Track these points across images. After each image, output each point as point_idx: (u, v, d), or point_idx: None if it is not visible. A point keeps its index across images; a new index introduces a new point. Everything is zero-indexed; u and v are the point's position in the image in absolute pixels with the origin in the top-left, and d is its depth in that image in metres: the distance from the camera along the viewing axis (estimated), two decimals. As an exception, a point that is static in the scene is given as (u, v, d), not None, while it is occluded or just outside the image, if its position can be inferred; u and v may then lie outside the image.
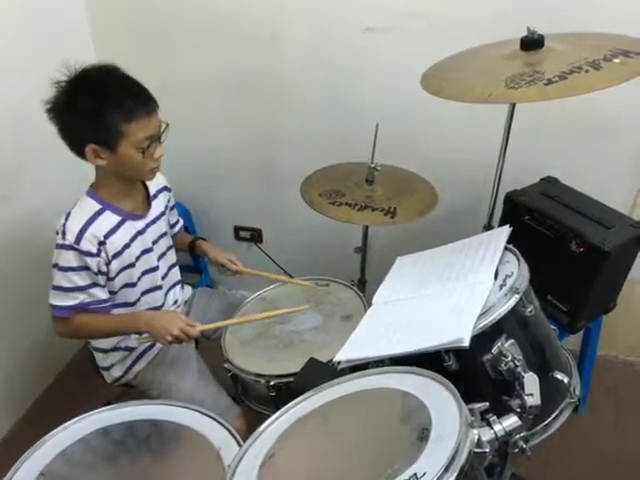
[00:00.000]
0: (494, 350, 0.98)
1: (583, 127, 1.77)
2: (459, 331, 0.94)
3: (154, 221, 1.43)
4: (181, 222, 1.65)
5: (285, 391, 1.31)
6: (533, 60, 1.08)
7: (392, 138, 1.60)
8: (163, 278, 1.49)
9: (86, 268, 1.27)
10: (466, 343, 0.92)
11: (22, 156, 1.80)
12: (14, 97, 1.67)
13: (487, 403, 0.84)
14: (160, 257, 1.47)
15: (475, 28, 1.60)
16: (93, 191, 1.31)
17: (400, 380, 0.90)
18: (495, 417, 0.84)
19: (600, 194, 1.65)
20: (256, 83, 1.98)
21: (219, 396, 1.43)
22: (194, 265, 2.39)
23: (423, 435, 0.74)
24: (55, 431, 1.13)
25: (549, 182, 1.74)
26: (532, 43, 1.10)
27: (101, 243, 1.27)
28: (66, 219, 1.27)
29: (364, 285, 1.77)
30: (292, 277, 1.57)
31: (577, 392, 1.09)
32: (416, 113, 1.81)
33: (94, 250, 1.26)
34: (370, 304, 1.23)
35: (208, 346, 1.66)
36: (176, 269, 1.57)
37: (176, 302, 1.57)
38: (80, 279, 1.27)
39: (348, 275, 1.76)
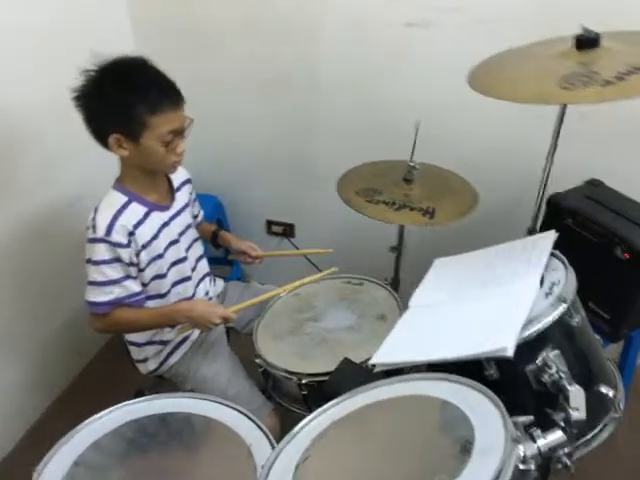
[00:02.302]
0: (538, 361, 0.95)
1: (631, 128, 1.70)
2: (503, 340, 0.90)
3: (179, 213, 1.43)
4: (202, 213, 1.65)
5: (318, 391, 1.29)
6: (587, 60, 1.03)
7: (430, 136, 1.56)
8: (192, 270, 1.49)
9: (118, 260, 1.27)
10: (510, 353, 0.88)
11: (62, 144, 1.83)
12: (55, 87, 1.69)
13: (532, 417, 0.81)
14: (187, 249, 1.47)
15: (520, 24, 1.55)
16: (118, 184, 1.32)
17: (439, 387, 0.88)
18: (539, 431, 0.81)
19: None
20: (292, 78, 1.97)
21: (252, 392, 1.43)
22: (224, 257, 2.39)
23: (466, 448, 0.71)
24: (89, 420, 1.14)
25: (594, 185, 1.67)
26: (588, 42, 1.04)
27: (131, 234, 1.28)
28: (95, 213, 1.28)
29: (397, 284, 1.74)
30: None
31: (622, 406, 1.04)
32: (456, 111, 1.78)
33: (125, 241, 1.27)
34: (405, 305, 1.21)
35: (239, 339, 1.66)
36: (204, 261, 1.58)
37: (207, 294, 1.57)
38: (114, 272, 1.28)
39: (381, 273, 1.73)
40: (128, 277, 1.31)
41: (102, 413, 1.16)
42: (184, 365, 1.48)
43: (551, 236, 1.17)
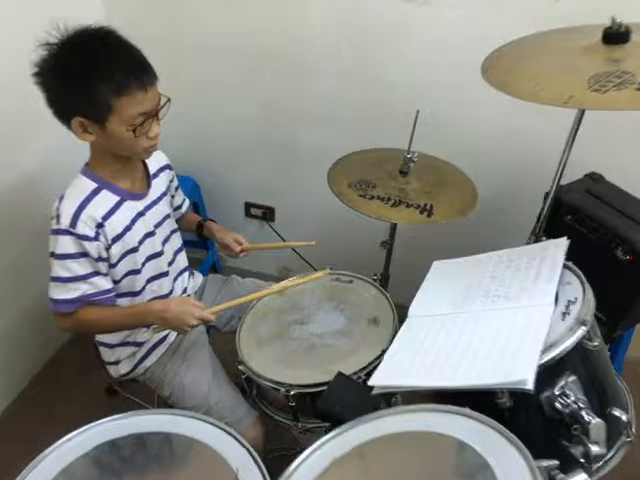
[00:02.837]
0: (555, 389, 0.88)
1: (629, 121, 1.62)
2: (522, 371, 0.83)
3: (155, 202, 1.30)
4: (187, 202, 1.52)
5: (310, 408, 1.21)
6: (616, 56, 0.93)
7: (427, 124, 1.44)
8: (169, 264, 1.37)
9: (85, 254, 1.15)
10: (530, 386, 0.81)
11: (23, 124, 1.67)
12: (13, 60, 1.51)
13: (557, 462, 0.74)
14: (164, 241, 1.35)
15: (526, 6, 1.44)
16: (88, 169, 1.19)
17: (453, 424, 0.80)
18: (563, 476, 0.75)
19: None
20: (279, 52, 1.81)
21: (235, 400, 1.34)
22: (199, 239, 2.26)
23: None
24: (57, 444, 1.02)
25: (594, 179, 1.60)
26: (617, 36, 0.94)
27: (99, 225, 1.15)
28: (60, 201, 1.14)
29: (387, 280, 1.66)
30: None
31: (634, 430, 0.99)
32: (454, 96, 1.67)
33: (92, 234, 1.14)
34: (398, 306, 1.12)
35: (220, 338, 1.56)
36: (183, 254, 1.46)
37: (185, 291, 1.46)
38: (80, 267, 1.15)
39: (368, 267, 1.64)
40: (97, 273, 1.18)
41: (71, 435, 1.04)
42: (160, 369, 1.37)
43: (562, 244, 1.10)
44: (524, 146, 1.68)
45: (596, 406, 0.91)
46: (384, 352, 1.22)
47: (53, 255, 1.15)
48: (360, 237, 1.87)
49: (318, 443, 0.86)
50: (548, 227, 1.51)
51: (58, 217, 1.12)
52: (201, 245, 2.24)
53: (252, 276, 1.61)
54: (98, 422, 1.07)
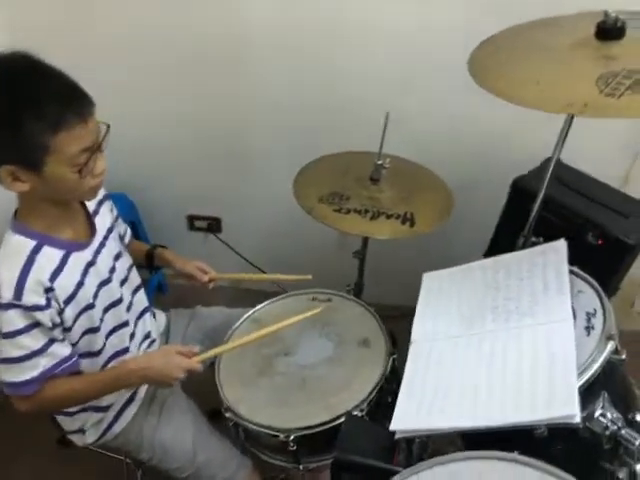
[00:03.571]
0: (595, 412, 0.84)
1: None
2: (565, 404, 0.77)
3: (103, 244, 1.13)
4: (129, 231, 1.34)
5: (312, 447, 1.12)
6: (614, 53, 0.86)
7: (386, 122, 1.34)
8: (128, 309, 1.21)
9: (36, 325, 0.97)
10: (578, 419, 0.75)
11: None
12: None
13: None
14: (122, 284, 1.18)
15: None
16: (19, 224, 0.98)
17: (507, 475, 0.73)
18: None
19: (592, 168, 1.54)
20: (218, 50, 1.62)
21: (224, 453, 1.21)
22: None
23: None
24: None
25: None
26: (612, 32, 0.88)
27: (48, 290, 0.96)
28: None
29: (361, 291, 1.57)
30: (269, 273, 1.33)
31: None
32: (418, 91, 1.57)
33: (42, 302, 0.96)
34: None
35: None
36: (141, 292, 1.29)
37: (148, 336, 1.29)
38: (33, 341, 0.97)
39: (337, 277, 1.55)
40: (53, 341, 1.00)
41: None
42: (135, 432, 1.21)
43: (562, 248, 1.06)
44: (479, 134, 1.64)
45: (623, 416, 0.88)
46: (383, 377, 1.17)
47: None
48: (321, 244, 1.77)
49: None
50: (515, 217, 1.49)
51: None
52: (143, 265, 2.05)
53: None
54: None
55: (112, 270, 1.14)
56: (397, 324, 1.29)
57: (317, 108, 1.66)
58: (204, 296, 1.41)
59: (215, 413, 1.38)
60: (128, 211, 1.94)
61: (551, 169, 1.16)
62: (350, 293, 1.48)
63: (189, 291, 1.41)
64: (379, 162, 1.30)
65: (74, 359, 1.05)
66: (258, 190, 1.90)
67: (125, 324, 1.18)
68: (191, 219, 2.08)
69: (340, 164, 1.42)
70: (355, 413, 1.10)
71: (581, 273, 1.00)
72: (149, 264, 1.37)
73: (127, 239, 1.32)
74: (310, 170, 1.40)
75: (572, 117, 1.05)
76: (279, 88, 1.66)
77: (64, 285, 1.00)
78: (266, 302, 1.40)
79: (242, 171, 1.89)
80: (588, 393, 0.85)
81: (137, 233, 1.98)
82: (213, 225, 2.07)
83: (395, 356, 1.22)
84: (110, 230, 1.17)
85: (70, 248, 1.03)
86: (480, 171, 1.68)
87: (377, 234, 1.23)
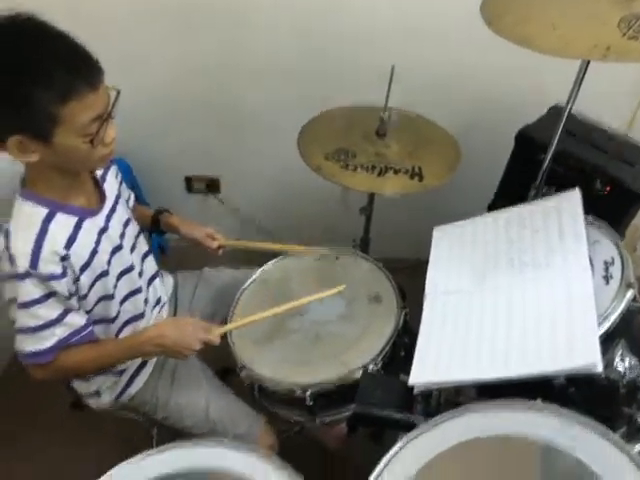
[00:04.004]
0: (614, 360, 0.85)
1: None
2: (586, 353, 0.78)
3: (113, 210, 1.11)
4: (133, 196, 1.32)
5: (328, 402, 1.13)
6: None
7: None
8: (140, 275, 1.20)
9: (53, 294, 0.95)
10: (600, 368, 0.76)
11: None
12: None
13: None
14: (131, 250, 1.17)
15: None
16: (29, 191, 0.95)
17: (540, 423, 0.74)
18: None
19: (596, 113, 1.51)
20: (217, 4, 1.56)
21: (238, 410, 1.23)
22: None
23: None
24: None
25: (559, 113, 1.56)
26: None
27: (64, 258, 0.95)
28: (7, 239, 0.91)
29: (367, 246, 1.57)
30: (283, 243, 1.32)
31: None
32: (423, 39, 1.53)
33: (59, 270, 0.94)
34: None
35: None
36: (150, 258, 1.28)
37: (159, 302, 1.29)
38: (49, 310, 0.96)
39: (341, 233, 1.54)
40: (69, 311, 1.00)
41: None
42: (149, 393, 1.22)
43: (576, 197, 1.05)
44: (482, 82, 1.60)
45: None
46: (396, 331, 1.17)
47: (14, 303, 0.94)
48: (323, 200, 1.74)
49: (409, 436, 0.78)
50: (522, 168, 1.48)
51: (12, 259, 0.90)
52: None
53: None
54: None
55: (122, 236, 1.12)
56: (405, 278, 1.30)
57: (321, 59, 1.61)
58: (207, 255, 1.40)
59: (225, 372, 1.40)
60: (126, 175, 1.89)
61: (564, 120, 1.12)
62: (356, 248, 1.48)
63: (191, 250, 1.39)
64: (384, 115, 1.26)
65: (89, 328, 1.04)
66: (256, 146, 1.86)
67: (138, 290, 1.18)
68: (189, 180, 2.04)
69: (344, 119, 1.38)
70: (371, 367, 1.11)
71: (596, 221, 0.99)
72: (155, 229, 1.35)
73: (131, 204, 1.29)
74: (314, 126, 1.37)
75: (588, 63, 1.02)
76: (282, 37, 1.60)
77: (79, 252, 0.98)
78: (273, 260, 1.39)
79: (238, 128, 1.84)
80: (607, 341, 0.85)
81: (136, 198, 1.95)
82: (211, 185, 2.03)
83: (407, 310, 1.22)
84: (118, 196, 1.15)
85: (83, 214, 1.01)
86: (483, 119, 1.64)
87: (387, 190, 1.21)
